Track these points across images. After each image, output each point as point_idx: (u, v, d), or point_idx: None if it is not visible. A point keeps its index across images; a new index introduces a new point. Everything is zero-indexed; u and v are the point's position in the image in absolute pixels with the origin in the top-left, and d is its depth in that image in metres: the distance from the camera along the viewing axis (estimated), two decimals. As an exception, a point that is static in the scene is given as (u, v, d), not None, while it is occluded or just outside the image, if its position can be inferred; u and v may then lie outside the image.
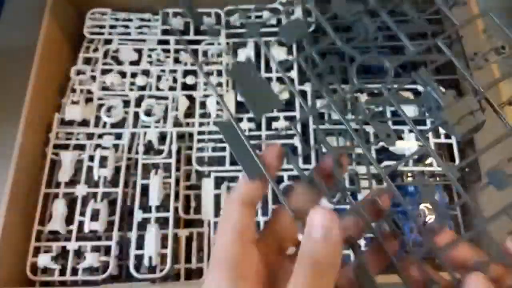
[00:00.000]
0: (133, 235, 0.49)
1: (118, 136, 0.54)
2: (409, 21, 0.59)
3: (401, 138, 0.53)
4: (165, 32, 0.61)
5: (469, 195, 0.54)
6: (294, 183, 0.28)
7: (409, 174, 0.54)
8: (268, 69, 0.57)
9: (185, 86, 0.57)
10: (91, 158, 0.53)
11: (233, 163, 0.52)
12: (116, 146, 0.53)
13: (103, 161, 0.53)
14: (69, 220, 0.51)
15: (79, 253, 0.50)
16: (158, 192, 0.50)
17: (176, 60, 0.58)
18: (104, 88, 0.57)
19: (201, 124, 0.54)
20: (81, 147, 0.54)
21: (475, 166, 0.54)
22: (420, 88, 0.55)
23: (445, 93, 0.27)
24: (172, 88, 0.57)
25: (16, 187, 0.49)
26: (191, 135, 0.54)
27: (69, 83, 0.58)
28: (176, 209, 0.50)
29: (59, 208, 0.50)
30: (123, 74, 0.58)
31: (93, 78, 0.57)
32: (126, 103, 0.56)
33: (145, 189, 0.51)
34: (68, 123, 0.55)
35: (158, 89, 0.56)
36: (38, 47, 0.56)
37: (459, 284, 0.23)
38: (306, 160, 0.52)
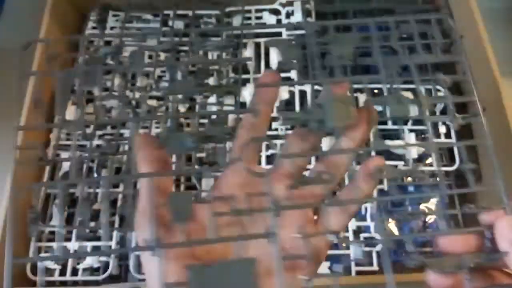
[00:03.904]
0: (133, 235, 0.49)
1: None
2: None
3: (400, 138, 0.53)
4: (165, 33, 0.61)
5: (470, 195, 0.55)
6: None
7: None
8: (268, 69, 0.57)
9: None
10: (92, 159, 0.53)
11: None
12: (116, 147, 0.53)
13: (103, 161, 0.53)
14: (69, 220, 0.51)
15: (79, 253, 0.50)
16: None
17: (177, 61, 0.58)
18: (105, 89, 0.57)
19: (201, 125, 0.54)
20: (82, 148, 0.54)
21: (475, 166, 0.54)
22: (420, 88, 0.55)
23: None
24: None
25: (16, 187, 0.49)
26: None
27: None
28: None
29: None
30: (123, 75, 0.58)
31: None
32: (126, 104, 0.56)
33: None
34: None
35: (158, 89, 0.56)
36: (38, 47, 0.56)
37: None
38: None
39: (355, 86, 0.55)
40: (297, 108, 0.54)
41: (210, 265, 0.24)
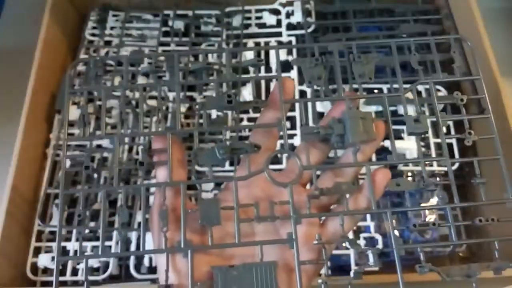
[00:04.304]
0: (133, 235, 0.49)
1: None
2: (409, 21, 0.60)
3: (400, 138, 0.53)
4: (165, 33, 0.61)
5: (469, 194, 0.55)
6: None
7: (409, 174, 0.54)
8: (268, 69, 0.57)
9: (186, 87, 0.57)
10: (92, 159, 0.53)
11: (232, 163, 0.51)
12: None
13: (103, 161, 0.53)
14: (69, 220, 0.51)
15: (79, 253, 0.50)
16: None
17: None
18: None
19: (201, 125, 0.54)
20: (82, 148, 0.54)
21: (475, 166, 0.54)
22: (420, 88, 0.55)
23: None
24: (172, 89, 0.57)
25: (16, 187, 0.49)
26: (191, 135, 0.54)
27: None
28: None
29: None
30: (121, 76, 0.58)
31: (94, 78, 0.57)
32: (126, 104, 0.56)
33: (146, 189, 0.51)
34: (69, 124, 0.55)
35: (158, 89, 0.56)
36: (38, 47, 0.56)
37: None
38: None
39: (354, 86, 0.55)
40: (297, 108, 0.54)
41: (234, 266, 0.27)
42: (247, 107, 0.39)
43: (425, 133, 0.32)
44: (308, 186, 0.33)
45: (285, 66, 0.57)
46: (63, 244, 0.50)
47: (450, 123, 0.54)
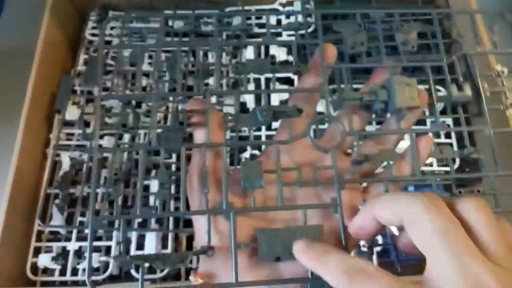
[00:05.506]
0: (133, 235, 0.49)
1: (119, 137, 0.54)
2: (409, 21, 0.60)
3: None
4: (165, 33, 0.61)
5: (470, 194, 0.55)
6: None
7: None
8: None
9: (186, 87, 0.57)
10: (92, 159, 0.53)
11: (232, 163, 0.51)
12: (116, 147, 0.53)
13: (103, 161, 0.53)
14: (69, 220, 0.51)
15: (79, 253, 0.50)
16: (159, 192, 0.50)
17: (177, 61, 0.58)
18: (105, 89, 0.57)
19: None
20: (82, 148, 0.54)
21: (476, 166, 0.54)
22: (419, 87, 0.55)
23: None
24: (172, 89, 0.57)
25: (16, 187, 0.49)
26: (191, 135, 0.54)
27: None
28: (176, 209, 0.50)
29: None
30: (123, 75, 0.58)
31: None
32: (127, 104, 0.56)
33: (145, 189, 0.51)
34: (69, 124, 0.55)
35: (158, 89, 0.56)
36: (38, 48, 0.56)
37: None
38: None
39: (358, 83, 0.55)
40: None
41: (278, 230, 0.26)
42: (289, 70, 0.37)
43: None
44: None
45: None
46: (63, 244, 0.50)
47: (450, 122, 0.54)
